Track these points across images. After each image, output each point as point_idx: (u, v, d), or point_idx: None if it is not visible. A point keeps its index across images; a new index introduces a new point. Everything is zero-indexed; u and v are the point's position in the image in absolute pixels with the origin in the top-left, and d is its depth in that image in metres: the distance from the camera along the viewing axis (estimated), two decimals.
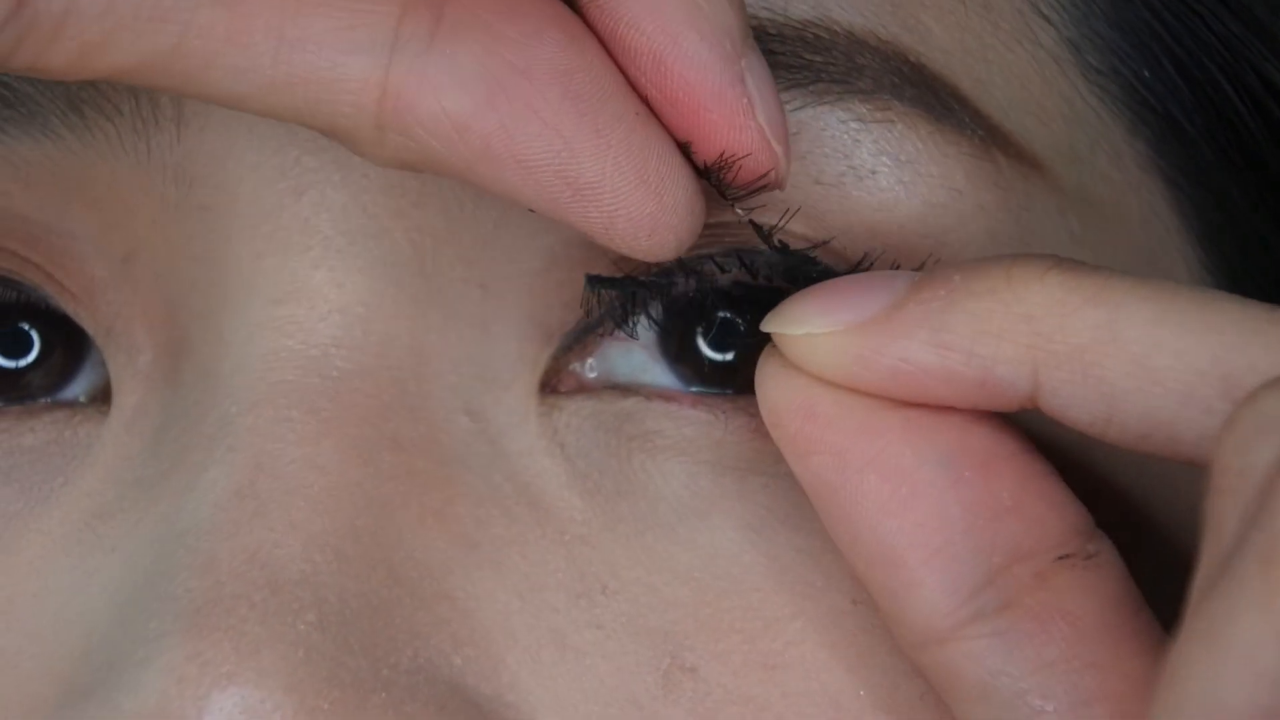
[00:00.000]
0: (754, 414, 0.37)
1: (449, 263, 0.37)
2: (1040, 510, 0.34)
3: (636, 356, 0.38)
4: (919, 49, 0.38)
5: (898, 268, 0.37)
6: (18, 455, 0.39)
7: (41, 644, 0.37)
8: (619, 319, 0.37)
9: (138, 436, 0.38)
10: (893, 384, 0.33)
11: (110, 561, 0.37)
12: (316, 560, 0.34)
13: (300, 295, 0.36)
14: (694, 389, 0.38)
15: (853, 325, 0.33)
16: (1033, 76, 0.39)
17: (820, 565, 0.36)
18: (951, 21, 0.39)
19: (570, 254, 0.37)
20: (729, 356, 0.38)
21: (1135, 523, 0.38)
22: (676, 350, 0.38)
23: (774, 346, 0.35)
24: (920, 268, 0.37)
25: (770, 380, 0.35)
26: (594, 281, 0.37)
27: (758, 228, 0.36)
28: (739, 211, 0.35)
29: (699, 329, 0.38)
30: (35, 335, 0.40)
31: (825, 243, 0.37)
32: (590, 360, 0.38)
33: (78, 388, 0.40)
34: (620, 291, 0.37)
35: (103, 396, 0.39)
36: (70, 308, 0.39)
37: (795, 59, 0.37)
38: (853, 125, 0.37)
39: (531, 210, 0.33)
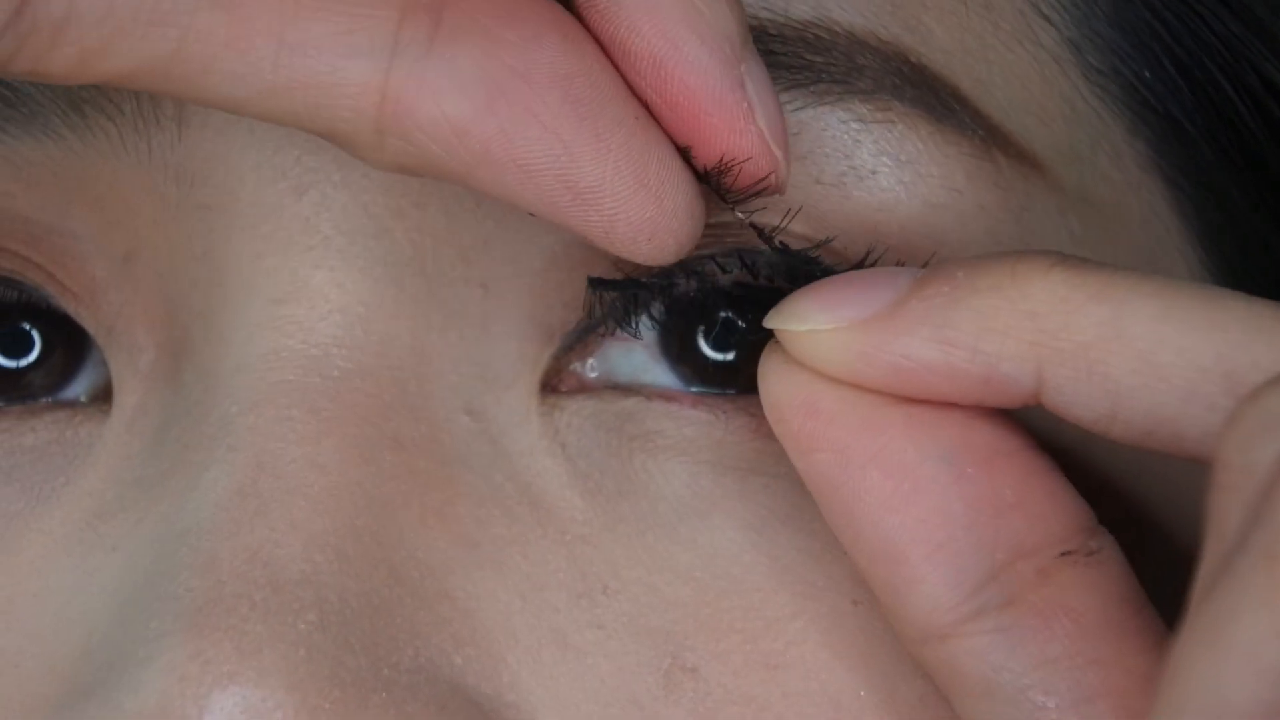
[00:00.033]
0: (755, 414, 0.37)
1: (450, 262, 0.37)
2: (1043, 507, 0.34)
3: (637, 356, 0.38)
4: (920, 49, 0.38)
5: (901, 265, 0.37)
6: (19, 455, 0.39)
7: (42, 643, 0.37)
8: (621, 319, 0.37)
9: (139, 436, 0.38)
10: (895, 380, 0.33)
11: (111, 561, 0.37)
12: (317, 560, 0.34)
13: (301, 295, 0.36)
14: (695, 389, 0.38)
15: (856, 321, 0.33)
16: (1033, 77, 0.39)
17: (821, 565, 0.36)
18: (952, 22, 0.39)
19: (571, 254, 0.37)
20: (730, 356, 0.38)
21: (1138, 519, 0.38)
22: (678, 350, 0.38)
23: (777, 343, 0.35)
24: (923, 266, 0.37)
25: (773, 376, 0.35)
26: (596, 284, 0.37)
27: (758, 229, 0.36)
28: (739, 214, 0.35)
29: (700, 329, 0.38)
30: (36, 335, 0.40)
31: (826, 243, 0.37)
32: (591, 360, 0.38)
33: (79, 387, 0.40)
34: (622, 293, 0.37)
35: (104, 396, 0.39)
36: (71, 307, 0.39)
37: (796, 59, 0.37)
38: (853, 125, 0.37)
39: (531, 215, 0.33)
